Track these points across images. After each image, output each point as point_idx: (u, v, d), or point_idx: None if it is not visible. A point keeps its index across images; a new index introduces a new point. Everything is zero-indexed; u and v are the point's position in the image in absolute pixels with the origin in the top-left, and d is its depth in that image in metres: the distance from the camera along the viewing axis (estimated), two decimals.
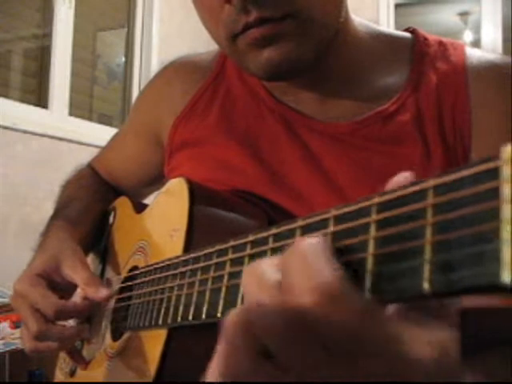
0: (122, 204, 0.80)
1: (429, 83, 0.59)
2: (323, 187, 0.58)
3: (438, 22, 3.95)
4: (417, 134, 0.57)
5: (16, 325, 1.58)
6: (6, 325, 1.59)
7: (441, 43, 0.62)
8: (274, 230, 0.34)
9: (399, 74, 0.61)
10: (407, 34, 0.65)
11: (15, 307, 0.64)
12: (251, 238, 0.36)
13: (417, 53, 0.62)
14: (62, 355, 0.82)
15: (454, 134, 0.56)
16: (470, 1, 3.55)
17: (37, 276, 0.64)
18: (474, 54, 0.60)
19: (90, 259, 0.80)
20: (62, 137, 2.30)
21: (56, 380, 0.82)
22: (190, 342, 0.49)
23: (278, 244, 0.34)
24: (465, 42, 3.62)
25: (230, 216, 0.57)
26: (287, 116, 0.62)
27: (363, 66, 0.62)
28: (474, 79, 0.58)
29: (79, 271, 0.64)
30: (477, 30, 3.35)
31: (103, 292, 0.61)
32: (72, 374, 0.75)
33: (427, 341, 0.27)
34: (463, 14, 3.83)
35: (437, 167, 0.55)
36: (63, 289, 0.65)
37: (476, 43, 3.49)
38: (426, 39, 0.63)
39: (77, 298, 0.74)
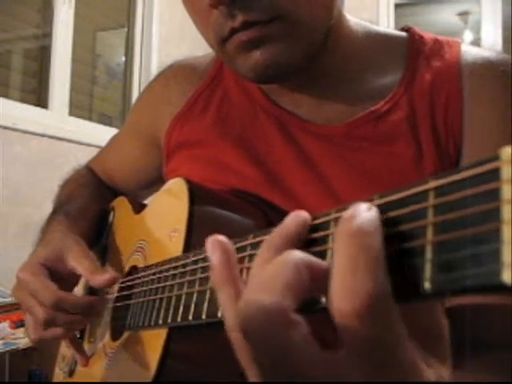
0: (121, 204, 0.80)
1: (422, 81, 0.58)
2: (317, 188, 0.58)
3: (437, 21, 3.95)
4: (409, 133, 0.56)
5: (16, 325, 1.58)
6: (5, 325, 1.59)
7: (436, 41, 0.62)
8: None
9: (393, 73, 0.60)
10: (403, 33, 0.64)
11: (17, 296, 0.64)
12: (251, 239, 0.36)
13: (411, 51, 0.61)
14: (62, 353, 0.82)
15: (445, 132, 0.56)
16: (469, 1, 3.55)
17: (39, 265, 0.64)
18: (469, 52, 0.59)
19: None
20: (62, 137, 2.30)
21: (55, 376, 0.82)
22: (190, 343, 0.49)
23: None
24: (464, 41, 3.61)
25: (230, 216, 0.57)
26: (282, 118, 0.62)
27: (358, 66, 0.61)
28: (467, 76, 0.57)
29: (83, 261, 0.63)
30: (477, 30, 3.35)
31: (107, 276, 0.61)
32: (71, 374, 0.75)
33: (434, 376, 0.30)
34: (463, 14, 3.83)
35: (429, 165, 0.55)
36: (65, 280, 0.65)
37: (476, 43, 3.49)
38: (421, 37, 0.62)
39: (78, 293, 0.74)
